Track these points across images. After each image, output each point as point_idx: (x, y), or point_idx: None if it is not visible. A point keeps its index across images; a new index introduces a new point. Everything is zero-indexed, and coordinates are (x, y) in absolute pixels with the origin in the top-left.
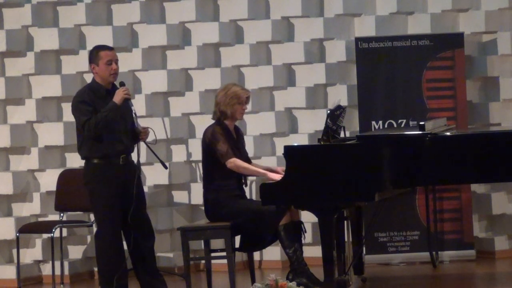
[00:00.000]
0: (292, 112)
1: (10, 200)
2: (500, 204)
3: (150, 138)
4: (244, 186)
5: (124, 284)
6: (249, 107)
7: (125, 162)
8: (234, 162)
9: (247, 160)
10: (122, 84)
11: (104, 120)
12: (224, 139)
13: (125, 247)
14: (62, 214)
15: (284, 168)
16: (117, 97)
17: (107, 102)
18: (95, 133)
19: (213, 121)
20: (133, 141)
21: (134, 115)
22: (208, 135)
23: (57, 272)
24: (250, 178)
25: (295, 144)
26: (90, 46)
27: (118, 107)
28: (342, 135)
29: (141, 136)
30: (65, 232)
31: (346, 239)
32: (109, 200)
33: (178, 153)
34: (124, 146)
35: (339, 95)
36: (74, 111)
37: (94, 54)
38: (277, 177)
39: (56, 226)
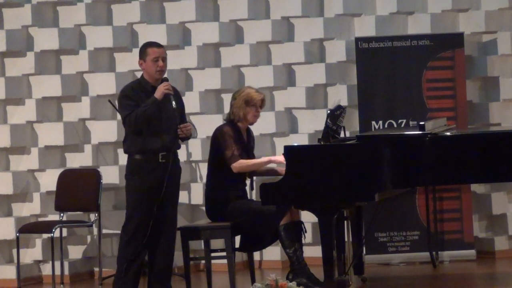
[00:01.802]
0: (292, 112)
1: (10, 200)
2: (500, 204)
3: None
4: (252, 189)
5: (137, 271)
6: None
7: (165, 159)
8: (239, 165)
9: None
10: (165, 79)
11: (143, 114)
12: (231, 141)
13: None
14: (62, 214)
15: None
16: (158, 92)
17: None
18: (135, 127)
19: (215, 122)
20: (176, 138)
21: (174, 110)
22: (217, 135)
23: (57, 272)
24: (253, 181)
25: (295, 144)
26: (90, 46)
27: (158, 102)
28: (342, 135)
29: (180, 131)
30: (65, 232)
31: (346, 239)
32: (140, 196)
33: (178, 153)
34: (163, 143)
35: (339, 95)
36: (118, 104)
37: (143, 51)
38: (282, 158)
39: (56, 226)
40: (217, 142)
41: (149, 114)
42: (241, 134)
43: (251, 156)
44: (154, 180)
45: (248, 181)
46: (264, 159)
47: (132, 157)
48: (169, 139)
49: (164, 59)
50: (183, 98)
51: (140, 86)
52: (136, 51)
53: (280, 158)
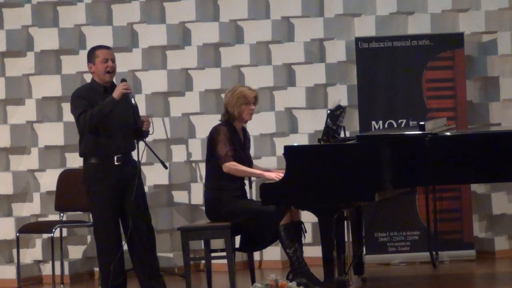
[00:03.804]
0: (292, 112)
1: (10, 200)
2: (500, 204)
3: (151, 128)
4: (249, 188)
5: (121, 283)
6: None
7: (121, 161)
8: (230, 166)
9: (249, 162)
10: (123, 80)
11: (99, 113)
12: (226, 140)
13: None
14: (62, 214)
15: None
16: (116, 92)
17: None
18: (89, 125)
19: (215, 121)
20: (133, 140)
21: (134, 107)
22: (213, 135)
23: (57, 272)
24: (252, 178)
25: (295, 144)
26: (90, 46)
27: (116, 101)
28: (342, 135)
29: (144, 126)
30: (65, 232)
31: (346, 239)
32: (103, 199)
33: (178, 153)
34: (118, 146)
35: (339, 95)
36: (71, 106)
37: (91, 54)
38: (274, 176)
39: (56, 226)
40: (213, 142)
41: (105, 113)
42: (237, 133)
43: (247, 154)
44: (112, 184)
45: (246, 180)
46: (256, 171)
47: (87, 161)
48: (123, 141)
49: (113, 61)
50: (183, 98)
51: (92, 88)
52: (136, 51)
53: (272, 174)
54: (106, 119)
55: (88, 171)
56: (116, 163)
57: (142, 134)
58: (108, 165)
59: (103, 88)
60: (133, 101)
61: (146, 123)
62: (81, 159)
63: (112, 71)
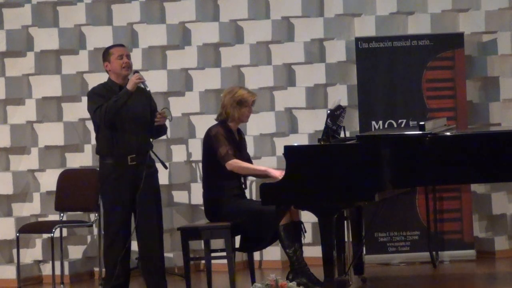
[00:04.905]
0: (292, 112)
1: (10, 200)
2: (500, 204)
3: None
4: (244, 187)
5: (123, 283)
6: None
7: (135, 162)
8: (234, 164)
9: (248, 161)
10: (135, 72)
11: (114, 105)
12: (225, 140)
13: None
14: (62, 214)
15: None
16: (130, 84)
17: None
18: (105, 119)
19: (215, 121)
20: (148, 139)
21: (148, 93)
22: (210, 135)
23: (57, 272)
24: (250, 179)
25: (295, 144)
26: (90, 46)
27: (130, 93)
28: (342, 135)
29: (158, 119)
30: (65, 232)
31: (346, 239)
32: (115, 200)
33: (178, 153)
34: (132, 145)
35: (339, 95)
36: (88, 103)
37: (106, 53)
38: (278, 173)
39: (56, 226)
40: (210, 142)
41: (120, 105)
42: (233, 134)
43: (244, 155)
44: (125, 184)
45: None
46: (261, 168)
47: (103, 160)
48: (138, 140)
49: (128, 57)
50: (183, 98)
51: (108, 87)
52: (136, 51)
53: (277, 173)
54: (121, 117)
55: (103, 171)
56: (130, 163)
57: (159, 130)
58: (122, 165)
59: (118, 87)
60: (148, 90)
61: (160, 117)
62: (82, 160)
63: (128, 67)
